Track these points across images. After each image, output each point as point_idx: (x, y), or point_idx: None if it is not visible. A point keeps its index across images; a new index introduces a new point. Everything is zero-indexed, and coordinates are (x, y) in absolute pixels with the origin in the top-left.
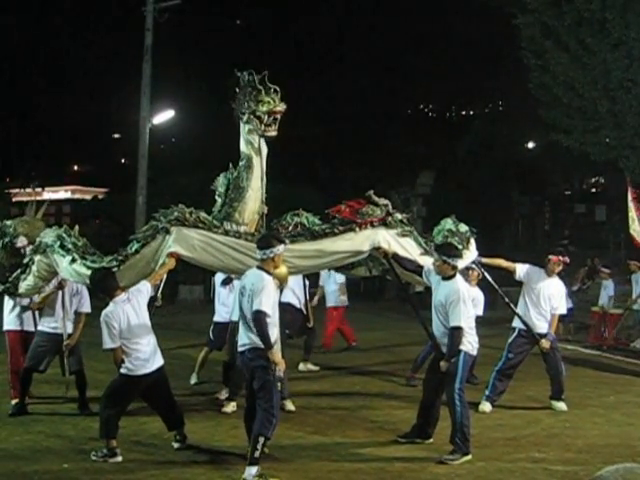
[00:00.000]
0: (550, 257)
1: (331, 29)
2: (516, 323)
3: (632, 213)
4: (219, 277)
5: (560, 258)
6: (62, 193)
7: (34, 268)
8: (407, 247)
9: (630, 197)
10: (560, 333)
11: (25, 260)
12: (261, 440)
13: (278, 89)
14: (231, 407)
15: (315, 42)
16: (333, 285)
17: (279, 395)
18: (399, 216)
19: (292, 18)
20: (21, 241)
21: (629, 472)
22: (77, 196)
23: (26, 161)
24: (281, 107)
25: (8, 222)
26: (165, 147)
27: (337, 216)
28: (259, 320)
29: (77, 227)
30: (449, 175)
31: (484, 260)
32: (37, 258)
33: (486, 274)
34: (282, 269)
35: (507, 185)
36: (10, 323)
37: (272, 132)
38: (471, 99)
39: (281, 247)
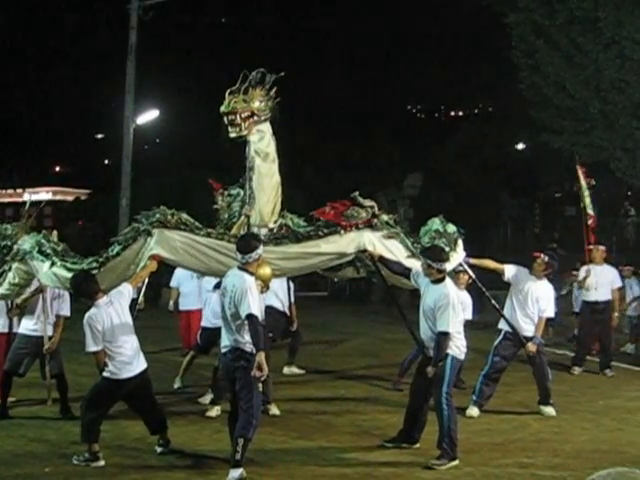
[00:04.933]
0: (534, 254)
1: (318, 29)
2: (502, 325)
3: (582, 183)
4: (208, 281)
5: (541, 255)
6: (43, 194)
7: (10, 275)
8: (393, 249)
9: (580, 172)
10: (550, 337)
11: (2, 267)
12: (241, 442)
13: (244, 88)
14: (215, 411)
15: (301, 42)
16: (196, 284)
17: (260, 396)
18: (385, 218)
19: (279, 17)
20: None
21: (621, 476)
22: (58, 197)
23: (7, 162)
24: (223, 108)
25: (9, 226)
26: (149, 147)
27: (321, 219)
28: (252, 324)
29: (55, 232)
30: (437, 177)
31: (472, 261)
32: (14, 265)
33: (471, 273)
34: (266, 270)
35: (496, 187)
36: None
37: (230, 134)
38: (460, 99)
39: (261, 247)
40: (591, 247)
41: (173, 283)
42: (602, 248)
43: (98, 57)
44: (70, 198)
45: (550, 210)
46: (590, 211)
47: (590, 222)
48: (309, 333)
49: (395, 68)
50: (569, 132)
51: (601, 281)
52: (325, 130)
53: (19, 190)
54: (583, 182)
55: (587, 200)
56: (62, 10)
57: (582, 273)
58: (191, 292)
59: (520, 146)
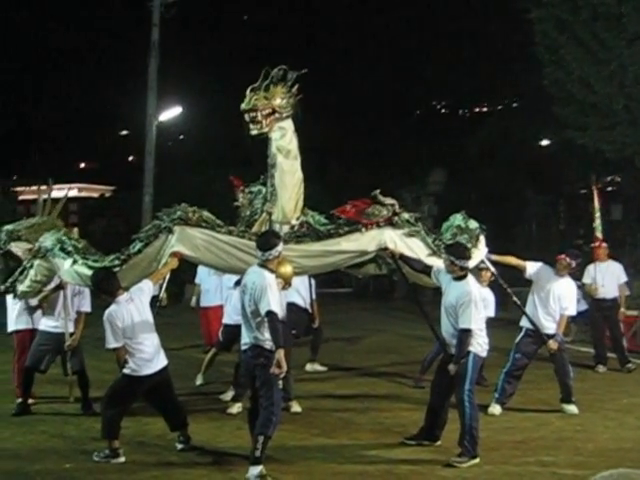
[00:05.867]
0: (558, 256)
1: (344, 26)
2: (523, 322)
3: (595, 205)
4: (229, 278)
5: (567, 259)
6: (64, 191)
7: (32, 272)
8: (414, 247)
9: (595, 193)
10: (574, 334)
11: (24, 263)
12: (261, 439)
13: (265, 85)
14: (236, 408)
15: (326, 39)
16: (216, 281)
17: (280, 394)
18: (406, 216)
19: (303, 14)
20: (16, 246)
21: (623, 477)
22: (84, 194)
23: (32, 159)
24: (244, 106)
25: (8, 227)
26: (173, 144)
27: (342, 217)
28: (272, 321)
29: (76, 229)
30: (461, 173)
31: (494, 257)
32: (36, 262)
33: (493, 270)
34: (287, 269)
35: (521, 183)
36: (20, 322)
37: (250, 131)
38: (484, 96)
39: (282, 244)
40: (592, 245)
41: (197, 280)
42: (604, 245)
43: (122, 53)
44: (95, 195)
45: (575, 206)
46: (598, 234)
47: (597, 244)
48: (332, 330)
49: (420, 64)
50: (593, 128)
51: (607, 278)
52: (349, 127)
53: (44, 187)
54: (597, 204)
55: (597, 222)
56: (86, 6)
57: (590, 272)
58: (210, 289)
59: (544, 142)
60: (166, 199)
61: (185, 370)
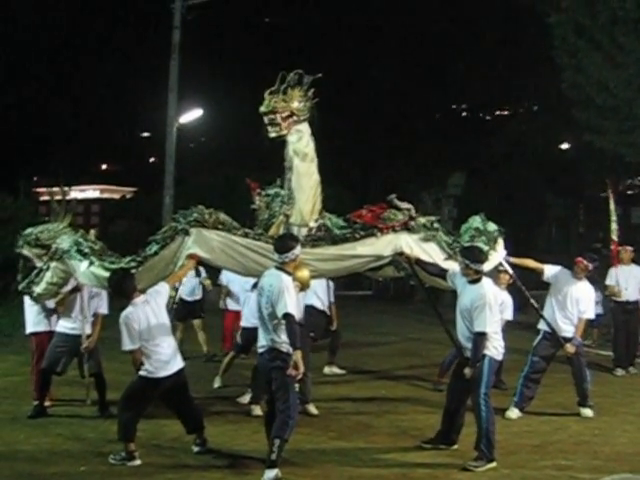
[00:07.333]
0: (576, 259)
1: (363, 29)
2: (541, 325)
3: (611, 208)
4: (246, 281)
5: (584, 262)
6: (90, 192)
7: (48, 274)
8: (430, 252)
9: (611, 197)
10: (595, 339)
11: (39, 265)
12: (277, 442)
13: (283, 88)
14: (259, 409)
15: (346, 42)
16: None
17: (297, 396)
18: (422, 220)
19: (324, 16)
20: (29, 251)
21: None
22: (105, 195)
23: (54, 160)
24: (263, 108)
25: (26, 231)
26: (194, 146)
27: (358, 221)
28: (289, 323)
29: (93, 231)
30: (481, 176)
31: (512, 260)
32: (53, 265)
33: (510, 271)
34: (304, 273)
35: (540, 186)
36: (38, 325)
37: (270, 133)
38: (504, 99)
39: (299, 247)
40: (619, 248)
41: (222, 281)
42: (630, 249)
43: (144, 56)
44: (117, 196)
45: (595, 210)
46: (614, 237)
47: (612, 247)
48: (351, 333)
49: (440, 67)
50: (612, 132)
51: (630, 281)
52: (370, 130)
53: (65, 188)
54: (612, 207)
55: (613, 225)
56: (108, 8)
57: (612, 275)
58: (240, 292)
59: (564, 146)
60: (187, 201)
61: (203, 372)
